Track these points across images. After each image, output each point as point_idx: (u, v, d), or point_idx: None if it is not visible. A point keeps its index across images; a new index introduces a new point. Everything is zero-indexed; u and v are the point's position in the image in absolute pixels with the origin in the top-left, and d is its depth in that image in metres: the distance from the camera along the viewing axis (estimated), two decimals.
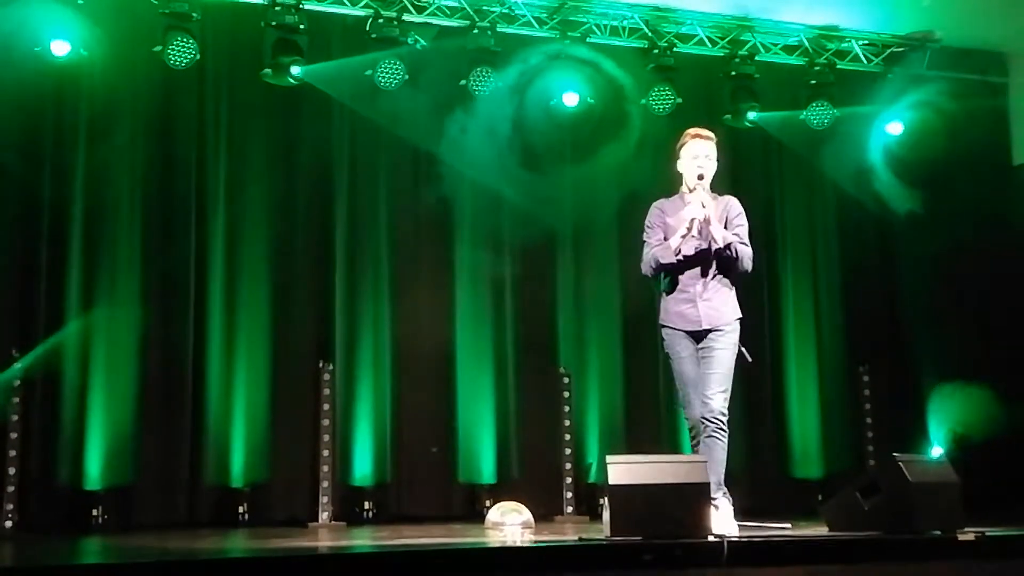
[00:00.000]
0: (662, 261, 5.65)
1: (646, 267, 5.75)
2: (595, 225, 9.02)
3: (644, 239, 5.82)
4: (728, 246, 5.66)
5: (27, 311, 7.63)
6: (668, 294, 5.72)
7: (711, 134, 5.80)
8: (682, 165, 5.82)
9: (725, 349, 5.69)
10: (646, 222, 5.84)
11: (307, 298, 8.35)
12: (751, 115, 9.01)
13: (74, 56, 7.60)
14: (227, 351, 8.00)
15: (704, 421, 5.64)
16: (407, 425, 8.34)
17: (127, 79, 7.78)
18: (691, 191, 5.72)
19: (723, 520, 5.57)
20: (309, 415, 7.94)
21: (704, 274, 5.69)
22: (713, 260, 5.70)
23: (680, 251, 5.63)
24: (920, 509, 5.39)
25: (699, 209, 5.59)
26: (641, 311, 9.05)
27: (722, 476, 5.66)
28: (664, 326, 5.76)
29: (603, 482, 5.39)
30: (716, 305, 5.70)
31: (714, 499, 5.56)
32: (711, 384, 5.66)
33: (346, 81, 8.20)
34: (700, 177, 5.66)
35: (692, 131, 5.83)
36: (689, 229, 5.59)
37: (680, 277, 5.69)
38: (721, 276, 5.73)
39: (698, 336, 5.69)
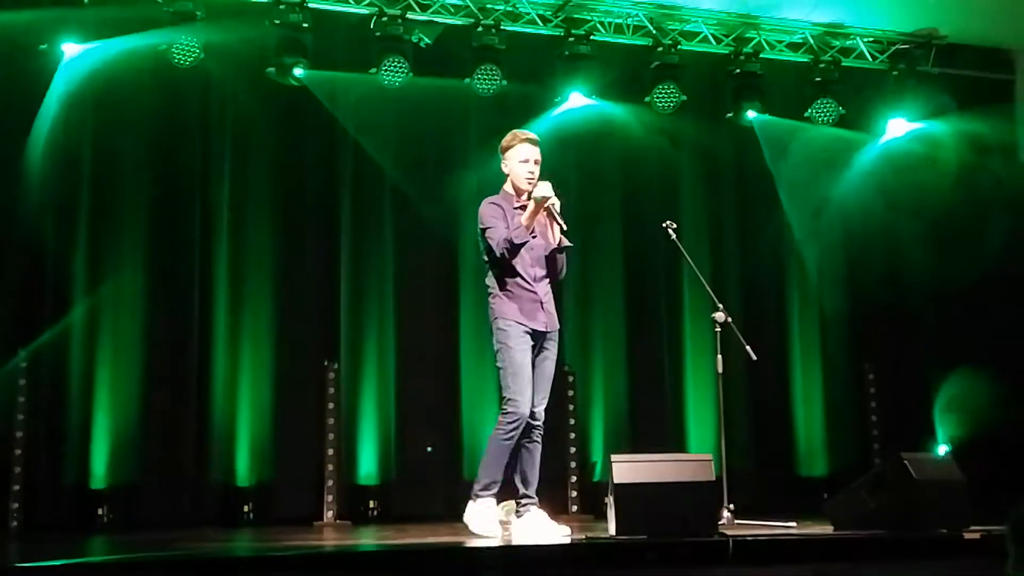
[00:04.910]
0: (516, 241, 5.58)
1: (499, 249, 5.62)
2: (598, 223, 9.02)
3: (489, 226, 5.71)
4: (564, 249, 5.78)
5: (30, 312, 7.62)
6: (514, 293, 5.69)
7: (537, 137, 5.87)
8: (509, 167, 5.85)
9: (555, 357, 5.81)
10: (488, 214, 5.74)
11: (311, 297, 8.35)
12: (750, 114, 9.00)
13: (82, 52, 7.62)
14: (232, 350, 8.00)
15: (529, 427, 5.65)
16: (412, 424, 8.33)
17: (132, 75, 7.78)
18: (519, 193, 5.78)
19: (542, 525, 5.59)
20: (314, 414, 7.95)
21: (544, 277, 5.78)
22: (547, 265, 5.78)
23: (533, 228, 5.63)
24: (926, 507, 5.39)
25: (551, 192, 5.61)
26: (645, 309, 9.09)
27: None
28: (508, 319, 5.67)
29: (608, 480, 5.35)
30: (551, 310, 5.80)
31: (531, 500, 5.65)
32: (543, 391, 5.73)
33: (350, 86, 8.22)
34: (532, 183, 5.71)
35: (521, 134, 5.86)
36: (540, 208, 5.57)
37: (527, 278, 5.70)
38: (551, 281, 5.84)
39: (538, 337, 5.70)
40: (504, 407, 5.64)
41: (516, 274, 5.71)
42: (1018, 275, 9.18)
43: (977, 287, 9.07)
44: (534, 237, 5.70)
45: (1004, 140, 9.46)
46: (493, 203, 5.82)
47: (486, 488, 5.64)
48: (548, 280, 5.82)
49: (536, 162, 5.81)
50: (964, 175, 9.26)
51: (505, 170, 5.89)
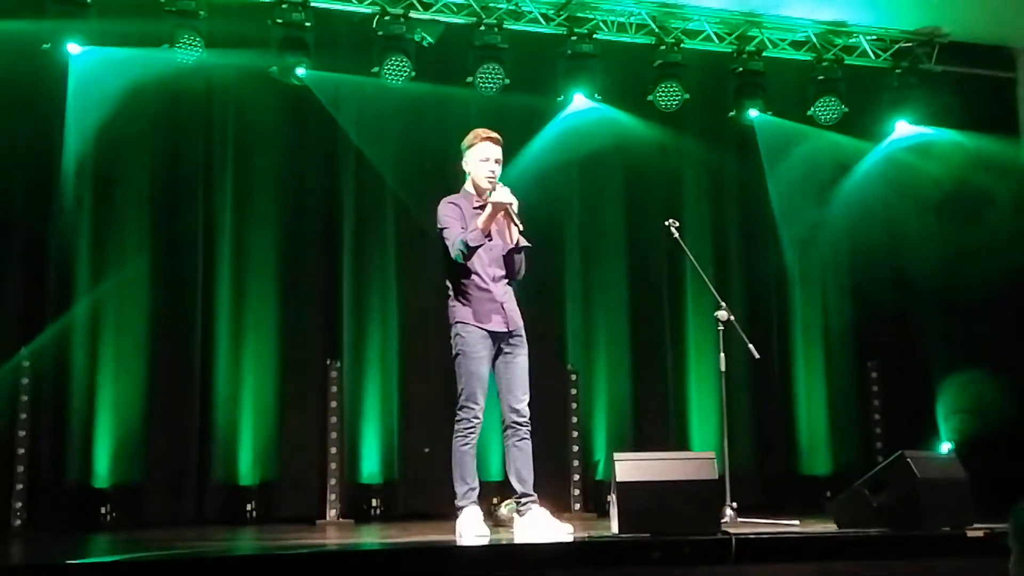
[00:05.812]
0: (472, 244, 5.54)
1: (455, 251, 5.59)
2: (602, 222, 9.02)
3: (445, 226, 5.68)
4: (521, 249, 5.74)
5: (33, 310, 7.61)
6: (471, 294, 5.66)
7: (499, 136, 5.79)
8: (470, 166, 5.77)
9: (525, 353, 5.76)
10: (445, 214, 5.70)
11: (314, 296, 8.35)
12: (752, 112, 8.99)
13: (85, 53, 7.62)
14: (235, 349, 8.00)
15: (516, 426, 5.67)
16: (414, 422, 8.33)
17: (135, 74, 7.78)
18: (480, 192, 5.72)
19: (544, 524, 5.58)
20: (317, 413, 7.94)
21: (502, 277, 5.74)
22: (505, 265, 5.75)
23: (489, 231, 5.59)
24: (929, 505, 5.39)
25: (509, 195, 5.58)
26: (648, 307, 9.08)
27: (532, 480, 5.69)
28: (466, 324, 5.66)
29: (611, 479, 5.36)
30: (513, 308, 5.75)
31: (530, 499, 5.65)
32: (521, 388, 5.69)
33: (352, 87, 8.23)
34: (492, 183, 5.65)
35: (483, 132, 5.77)
36: (498, 212, 5.55)
37: (484, 278, 5.67)
38: (509, 280, 5.79)
39: (498, 338, 5.67)
40: (458, 412, 5.64)
41: (472, 274, 5.67)
42: (1020, 277, 9.18)
43: (980, 287, 9.07)
44: (490, 239, 5.65)
45: (1007, 144, 9.46)
46: (451, 203, 5.75)
47: (464, 497, 5.62)
48: (506, 280, 5.77)
49: (497, 161, 5.73)
50: (967, 178, 9.26)
51: (466, 168, 5.80)
